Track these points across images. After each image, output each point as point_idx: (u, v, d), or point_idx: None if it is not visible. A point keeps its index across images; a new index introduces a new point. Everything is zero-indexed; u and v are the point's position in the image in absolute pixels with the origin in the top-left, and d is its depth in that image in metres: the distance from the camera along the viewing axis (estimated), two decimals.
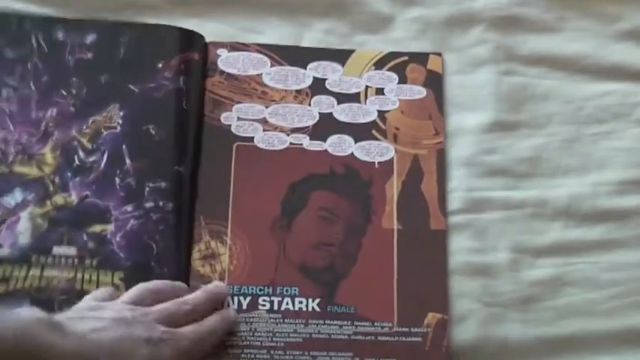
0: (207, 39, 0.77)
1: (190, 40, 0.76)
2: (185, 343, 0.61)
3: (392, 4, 0.80)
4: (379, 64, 0.77)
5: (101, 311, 0.60)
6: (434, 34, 0.79)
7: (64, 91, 0.73)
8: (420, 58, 0.77)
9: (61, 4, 0.78)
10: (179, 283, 0.66)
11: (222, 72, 0.75)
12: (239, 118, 0.73)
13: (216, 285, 0.67)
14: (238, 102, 0.74)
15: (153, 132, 0.72)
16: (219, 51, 0.76)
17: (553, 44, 0.79)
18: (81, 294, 0.65)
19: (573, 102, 0.76)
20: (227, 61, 0.76)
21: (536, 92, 0.77)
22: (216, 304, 0.66)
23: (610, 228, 0.71)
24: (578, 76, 0.78)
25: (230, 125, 0.73)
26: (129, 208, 0.69)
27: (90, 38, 0.75)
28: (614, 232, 0.71)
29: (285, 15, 0.79)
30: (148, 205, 0.69)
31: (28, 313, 0.56)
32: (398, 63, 0.77)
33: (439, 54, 0.78)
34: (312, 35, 0.79)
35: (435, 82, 0.76)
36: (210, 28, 0.77)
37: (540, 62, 0.78)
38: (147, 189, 0.70)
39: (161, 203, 0.69)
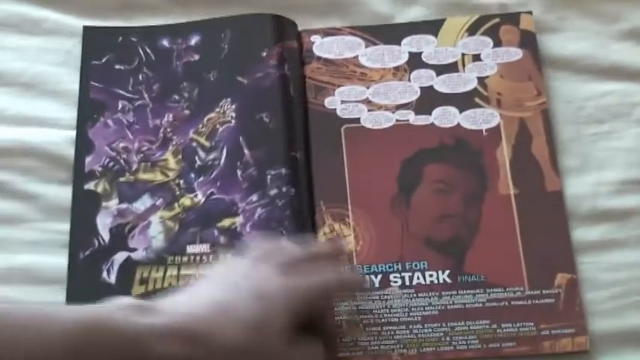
0: None
1: (286, 27, 0.78)
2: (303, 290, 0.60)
3: (392, 3, 0.80)
4: (472, 30, 0.78)
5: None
6: None
7: (176, 96, 0.75)
8: (512, 18, 0.78)
9: (61, 5, 0.79)
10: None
11: (319, 58, 0.77)
12: (343, 101, 0.75)
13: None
14: (339, 85, 0.76)
15: (266, 120, 0.74)
16: (313, 37, 0.78)
17: (553, 44, 0.78)
18: None
19: (573, 102, 0.76)
20: (322, 47, 0.77)
21: None
22: (337, 253, 0.67)
23: (610, 228, 0.71)
24: (578, 76, 0.77)
25: (335, 109, 0.75)
26: (254, 197, 0.71)
27: (194, 40, 0.77)
28: (614, 232, 0.70)
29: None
30: (272, 192, 0.71)
31: (119, 301, 0.56)
32: (490, 26, 0.78)
33: (530, 12, 0.78)
34: None
35: (529, 42, 0.77)
36: None
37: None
38: (268, 177, 0.72)
39: (284, 189, 0.71)
